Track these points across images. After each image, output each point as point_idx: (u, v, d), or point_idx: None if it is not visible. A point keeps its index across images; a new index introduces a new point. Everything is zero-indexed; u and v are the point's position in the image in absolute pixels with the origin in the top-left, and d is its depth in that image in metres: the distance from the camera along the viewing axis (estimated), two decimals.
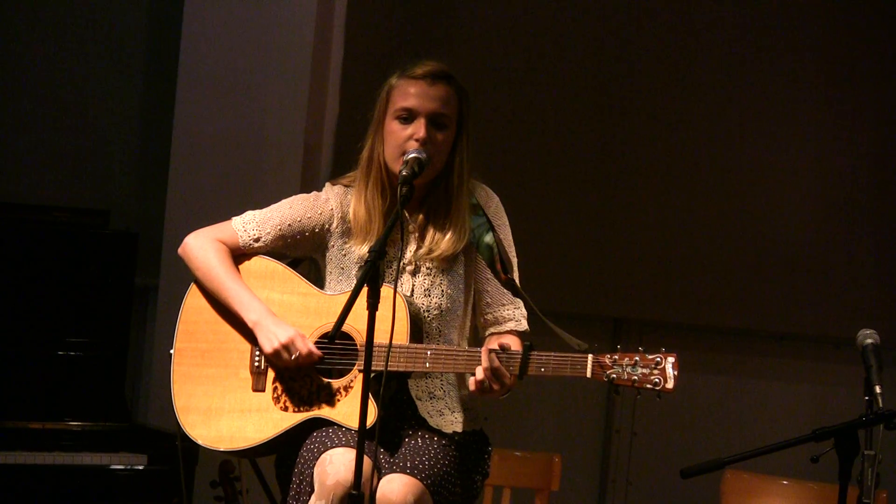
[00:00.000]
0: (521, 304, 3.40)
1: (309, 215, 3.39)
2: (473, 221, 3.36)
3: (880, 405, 2.89)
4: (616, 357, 3.12)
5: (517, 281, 3.39)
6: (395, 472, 3.15)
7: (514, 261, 3.42)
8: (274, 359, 3.25)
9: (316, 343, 3.26)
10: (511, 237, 3.44)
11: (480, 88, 4.90)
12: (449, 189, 3.34)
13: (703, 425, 5.45)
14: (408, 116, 3.29)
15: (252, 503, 3.78)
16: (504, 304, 3.40)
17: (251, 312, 3.28)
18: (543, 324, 3.28)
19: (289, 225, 3.38)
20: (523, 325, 3.40)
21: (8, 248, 4.43)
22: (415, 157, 3.22)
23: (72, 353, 4.42)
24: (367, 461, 2.94)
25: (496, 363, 3.13)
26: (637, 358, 3.10)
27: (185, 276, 3.42)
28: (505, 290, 3.38)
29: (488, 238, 3.35)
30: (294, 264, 3.43)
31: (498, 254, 3.34)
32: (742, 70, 5.39)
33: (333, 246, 3.40)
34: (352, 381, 3.24)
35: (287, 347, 3.22)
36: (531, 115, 5.37)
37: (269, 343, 3.24)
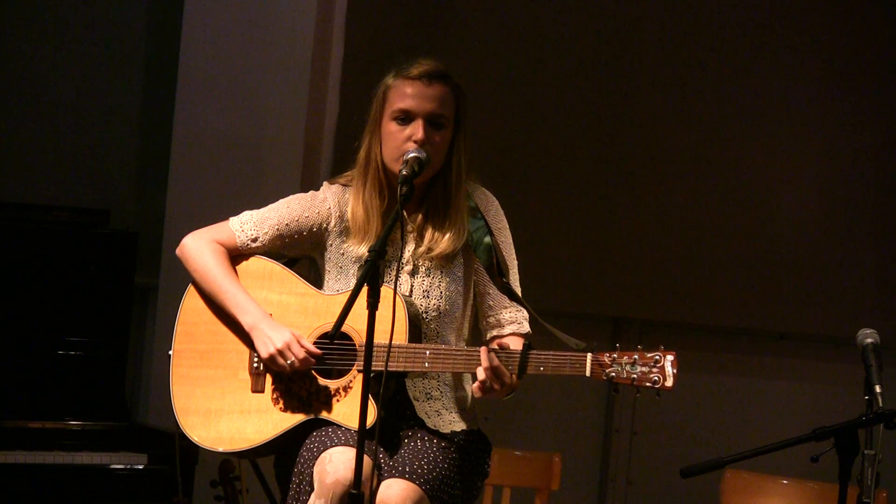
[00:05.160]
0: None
1: (307, 214, 3.39)
2: (472, 224, 3.36)
3: (880, 405, 2.89)
4: (615, 355, 3.12)
5: (517, 284, 3.39)
6: (394, 476, 3.15)
7: (515, 264, 3.42)
8: (270, 363, 3.25)
9: (315, 343, 3.26)
10: (511, 240, 3.43)
11: (480, 88, 4.91)
12: (447, 188, 3.33)
13: (703, 425, 5.45)
14: (405, 117, 3.29)
15: (252, 503, 3.77)
16: (506, 307, 3.40)
17: (247, 315, 3.28)
18: (542, 324, 3.29)
19: (286, 224, 3.38)
20: (525, 328, 3.40)
21: (8, 248, 4.43)
22: (415, 157, 3.21)
23: (72, 353, 4.42)
24: (367, 461, 2.94)
25: (496, 362, 3.13)
26: (636, 356, 3.11)
27: (185, 276, 3.41)
28: None
29: (486, 241, 3.35)
30: (290, 264, 3.43)
31: (495, 257, 3.34)
32: (742, 70, 5.39)
33: (332, 245, 3.39)
34: (351, 381, 3.24)
35: (282, 352, 3.22)
36: (531, 115, 5.37)
37: (264, 348, 3.24)
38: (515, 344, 3.29)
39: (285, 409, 3.26)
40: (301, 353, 3.21)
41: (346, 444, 3.14)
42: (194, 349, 3.35)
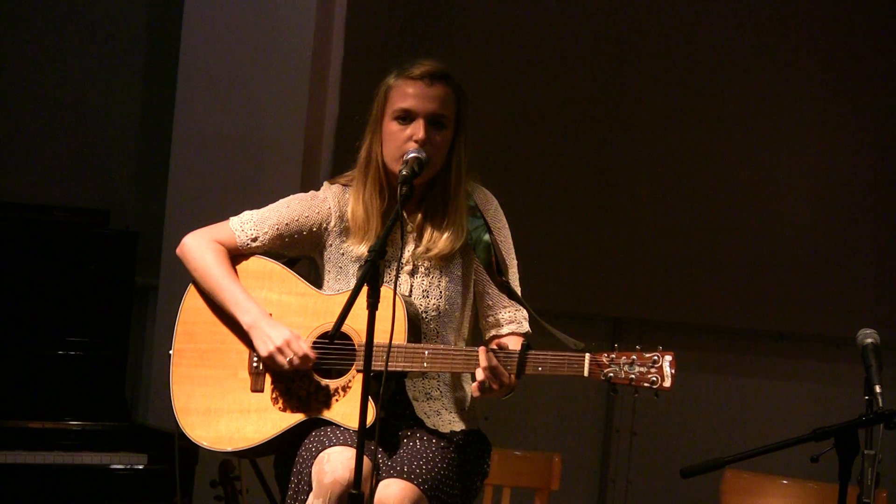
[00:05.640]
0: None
1: (307, 214, 3.39)
2: (471, 223, 3.36)
3: (880, 405, 2.89)
4: (613, 356, 3.11)
5: (516, 283, 3.39)
6: (392, 476, 3.15)
7: (514, 263, 3.42)
8: (269, 362, 3.25)
9: (314, 343, 3.27)
10: (510, 240, 3.44)
11: (480, 88, 4.90)
12: (447, 188, 3.34)
13: (703, 425, 5.45)
14: (406, 117, 3.29)
15: (252, 503, 3.78)
16: (505, 307, 3.40)
17: (246, 314, 3.28)
18: (541, 324, 3.29)
19: (286, 224, 3.38)
20: (524, 328, 3.40)
21: (8, 248, 4.43)
22: (415, 157, 3.22)
23: (72, 353, 4.42)
24: (366, 461, 2.94)
25: (494, 362, 3.13)
26: (634, 357, 3.10)
27: (185, 275, 3.42)
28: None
29: (485, 239, 3.35)
30: (290, 264, 3.43)
31: (494, 256, 3.34)
32: (742, 70, 5.39)
33: (331, 245, 3.40)
34: (350, 381, 3.24)
35: (282, 350, 3.22)
36: (531, 115, 5.37)
37: (263, 346, 3.24)
38: (514, 344, 3.29)
39: (285, 409, 3.26)
40: (301, 351, 3.22)
41: (344, 443, 3.15)
42: (194, 349, 3.35)
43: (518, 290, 3.39)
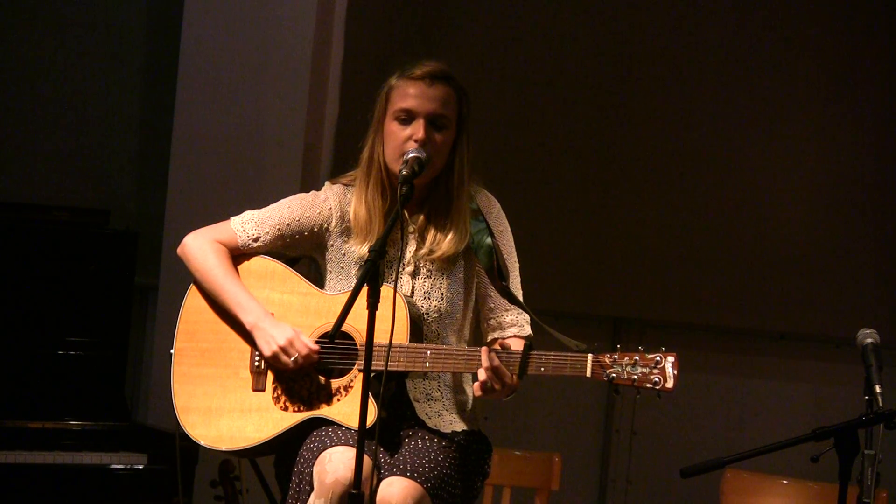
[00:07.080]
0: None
1: (308, 214, 3.39)
2: (473, 226, 3.36)
3: (880, 404, 2.89)
4: (616, 356, 3.12)
5: (518, 287, 3.39)
6: (395, 474, 3.15)
7: (516, 267, 3.42)
8: (273, 361, 3.25)
9: (316, 343, 3.26)
10: (512, 243, 3.44)
11: (481, 89, 4.91)
12: (449, 189, 3.34)
13: (703, 425, 5.45)
14: (406, 117, 3.29)
15: (252, 503, 3.78)
16: (507, 310, 3.40)
17: (248, 314, 3.28)
18: (543, 327, 3.29)
19: (287, 224, 3.38)
20: (526, 331, 3.40)
21: (8, 248, 4.43)
22: (415, 157, 3.22)
23: (72, 353, 4.42)
24: (366, 461, 2.94)
25: (496, 362, 3.13)
26: (637, 357, 3.11)
27: (185, 275, 3.42)
28: None
29: (487, 243, 3.35)
30: (290, 263, 3.43)
31: (496, 260, 3.34)
32: (742, 70, 5.39)
33: (333, 245, 3.40)
34: (352, 380, 3.24)
35: (286, 350, 3.22)
36: (531, 116, 5.38)
37: (267, 346, 3.24)
38: (516, 345, 3.29)
39: (286, 408, 3.26)
40: (304, 350, 3.22)
41: (345, 443, 3.15)
42: (196, 348, 3.35)
43: (520, 293, 3.39)
